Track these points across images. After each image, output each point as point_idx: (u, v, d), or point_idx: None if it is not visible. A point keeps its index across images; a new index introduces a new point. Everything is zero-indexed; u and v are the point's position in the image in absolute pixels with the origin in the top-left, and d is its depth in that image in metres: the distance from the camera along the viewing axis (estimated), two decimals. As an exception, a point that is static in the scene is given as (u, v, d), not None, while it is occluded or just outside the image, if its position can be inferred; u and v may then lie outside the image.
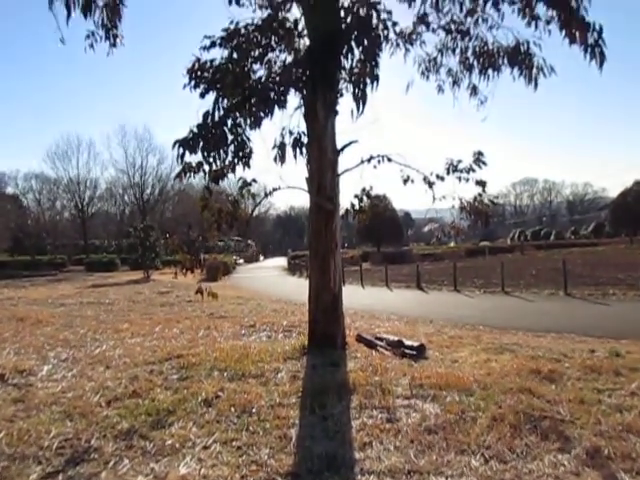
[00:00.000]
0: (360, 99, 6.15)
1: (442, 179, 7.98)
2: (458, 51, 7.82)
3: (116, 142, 70.43)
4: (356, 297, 18.24)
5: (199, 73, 7.01)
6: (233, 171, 7.45)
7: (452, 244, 61.89)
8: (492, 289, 19.96)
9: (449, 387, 5.28)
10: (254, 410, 4.74)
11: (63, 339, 9.16)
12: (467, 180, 8.01)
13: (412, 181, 8.02)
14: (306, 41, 7.04)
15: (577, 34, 6.51)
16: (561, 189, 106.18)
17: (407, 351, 7.12)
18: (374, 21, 6.23)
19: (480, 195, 8.15)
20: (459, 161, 7.95)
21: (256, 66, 7.33)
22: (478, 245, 61.13)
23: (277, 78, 6.93)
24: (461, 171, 7.95)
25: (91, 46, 8.03)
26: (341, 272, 8.05)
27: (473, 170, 7.94)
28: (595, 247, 47.20)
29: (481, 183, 8.06)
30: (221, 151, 7.15)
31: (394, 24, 6.65)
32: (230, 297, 18.19)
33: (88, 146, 67.71)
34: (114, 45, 8.11)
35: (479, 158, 7.95)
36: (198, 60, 7.22)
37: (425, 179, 7.91)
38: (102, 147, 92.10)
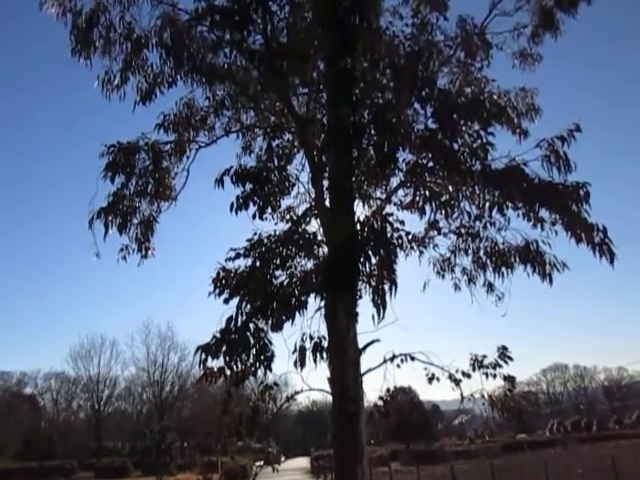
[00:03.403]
0: (380, 305, 6.32)
1: (468, 376, 7.81)
2: (470, 251, 8.18)
3: (139, 341, 71.26)
4: (387, 506, 16.51)
5: (223, 282, 7.37)
6: (254, 375, 7.40)
7: (487, 437, 57.82)
8: (538, 494, 18.03)
9: None
10: None
11: None
12: (494, 376, 7.85)
13: (437, 379, 7.86)
14: (325, 249, 7.49)
15: (583, 235, 6.85)
16: (594, 374, 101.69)
17: None
18: (388, 232, 6.69)
19: (510, 390, 7.88)
20: (484, 356, 7.86)
21: (278, 272, 7.70)
22: (515, 439, 56.85)
23: (298, 283, 7.23)
24: (487, 367, 7.83)
25: (124, 258, 8.66)
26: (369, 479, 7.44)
27: (499, 365, 7.82)
28: (643, 439, 43.44)
29: (509, 379, 7.87)
30: (243, 355, 7.17)
31: (407, 233, 7.14)
32: (248, 509, 16.59)
33: (111, 345, 68.54)
34: (145, 257, 8.74)
35: (504, 353, 7.87)
36: (223, 268, 7.65)
37: (451, 377, 7.73)
38: (125, 346, 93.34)
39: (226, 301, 7.52)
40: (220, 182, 7.54)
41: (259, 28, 7.50)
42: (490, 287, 8.38)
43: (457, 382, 7.73)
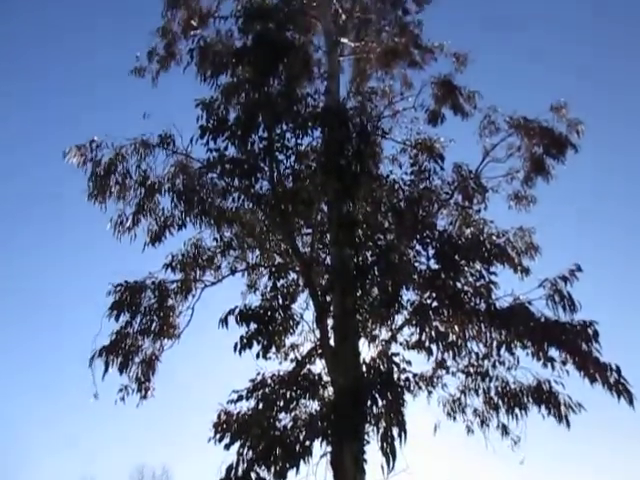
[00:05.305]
0: (389, 454, 5.97)
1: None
2: (481, 392, 7.91)
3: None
4: None
5: (224, 426, 7.07)
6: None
7: None
8: None
9: None
10: None
11: None
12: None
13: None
14: (330, 390, 7.26)
15: (596, 374, 6.65)
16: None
17: None
18: (395, 374, 6.52)
19: None
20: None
21: (281, 414, 7.39)
22: None
23: (303, 427, 6.90)
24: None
25: (122, 399, 8.43)
26: None
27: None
28: None
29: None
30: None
31: (414, 375, 6.97)
32: None
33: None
34: (145, 397, 8.51)
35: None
36: (225, 411, 7.34)
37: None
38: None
39: (227, 447, 7.12)
40: (225, 322, 7.55)
41: (266, 175, 7.97)
42: (505, 430, 7.98)
43: None
